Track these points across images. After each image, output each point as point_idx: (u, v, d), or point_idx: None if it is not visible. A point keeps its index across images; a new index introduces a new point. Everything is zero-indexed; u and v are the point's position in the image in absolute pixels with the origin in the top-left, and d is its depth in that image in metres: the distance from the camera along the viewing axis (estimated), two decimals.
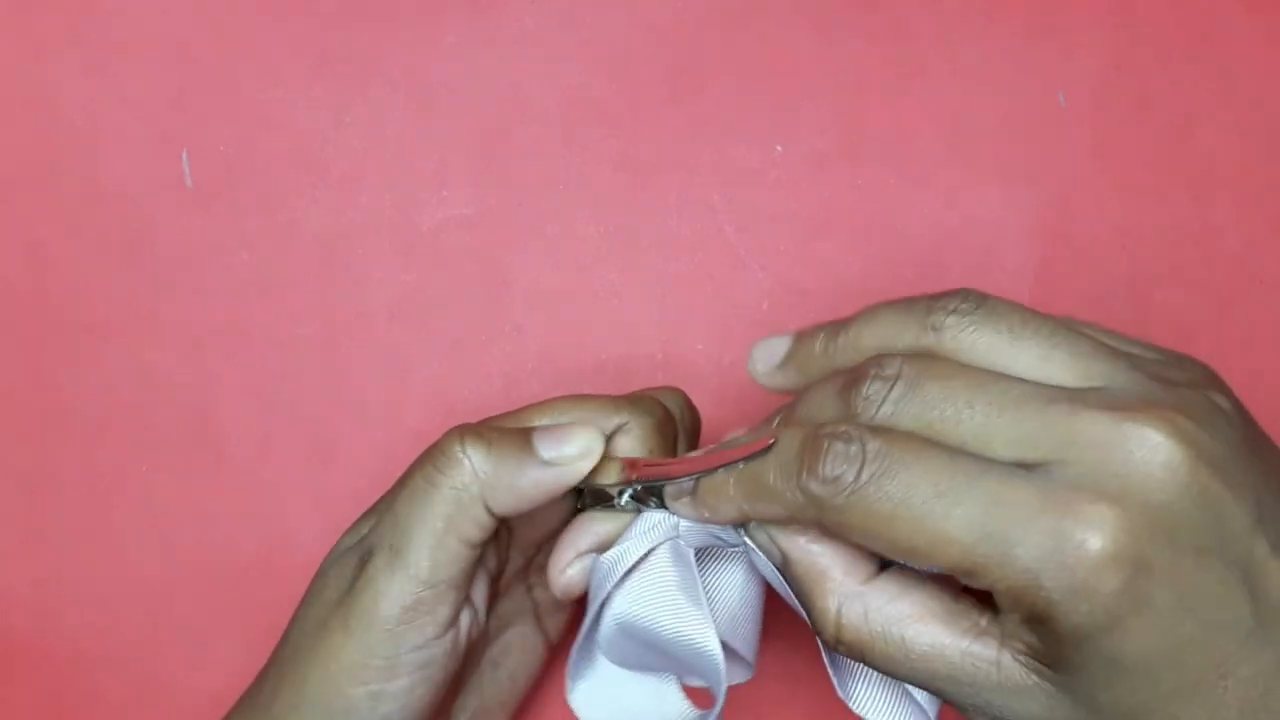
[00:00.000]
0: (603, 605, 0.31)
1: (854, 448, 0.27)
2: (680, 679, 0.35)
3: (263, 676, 0.34)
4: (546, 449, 0.31)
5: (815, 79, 0.43)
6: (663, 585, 0.31)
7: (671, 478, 0.31)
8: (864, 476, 0.26)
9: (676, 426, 0.34)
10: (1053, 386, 0.27)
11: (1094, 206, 0.43)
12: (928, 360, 0.28)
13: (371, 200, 0.42)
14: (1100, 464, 0.26)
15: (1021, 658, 0.27)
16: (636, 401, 0.33)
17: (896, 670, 0.29)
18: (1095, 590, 0.25)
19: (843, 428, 0.27)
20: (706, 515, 0.31)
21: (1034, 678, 0.27)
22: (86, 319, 0.42)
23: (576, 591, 0.32)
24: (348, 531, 0.35)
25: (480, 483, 0.31)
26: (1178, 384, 0.27)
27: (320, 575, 0.33)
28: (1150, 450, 0.25)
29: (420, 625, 0.31)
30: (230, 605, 0.41)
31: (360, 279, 0.42)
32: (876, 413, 0.27)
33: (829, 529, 0.28)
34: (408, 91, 0.43)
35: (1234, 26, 0.43)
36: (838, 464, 0.27)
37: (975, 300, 0.28)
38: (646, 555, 0.31)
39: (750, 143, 0.43)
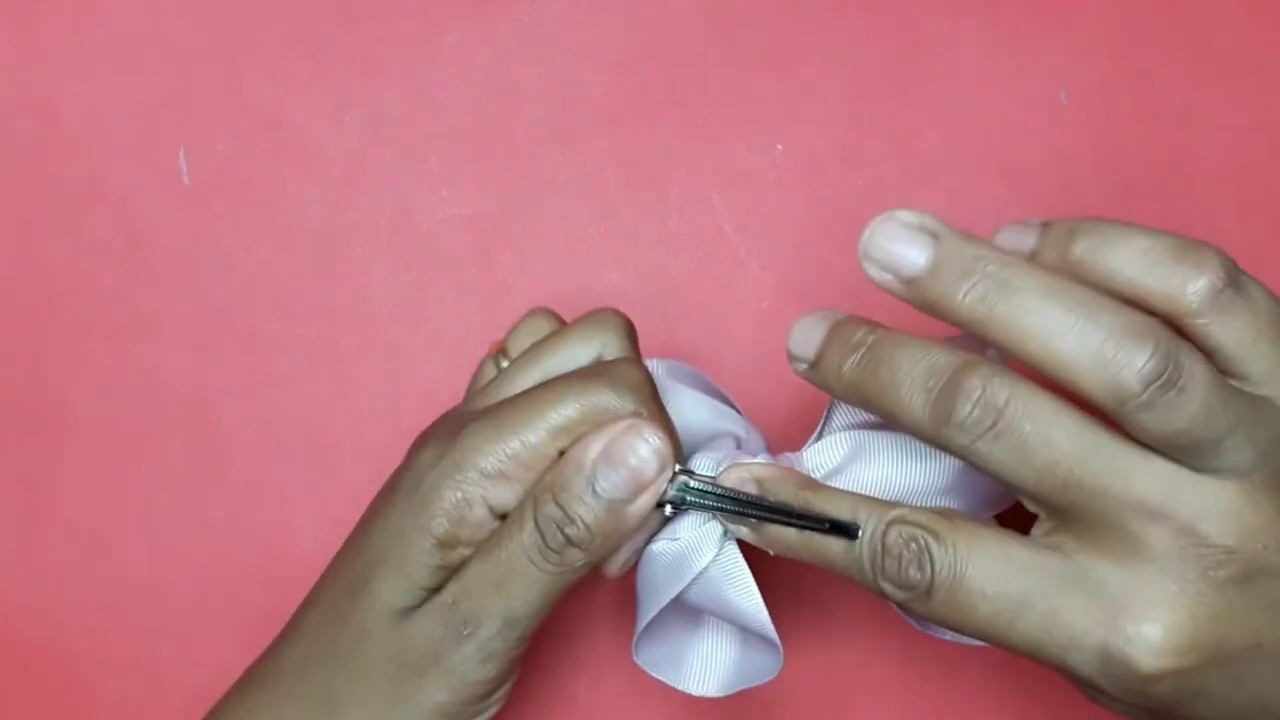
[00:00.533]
0: (676, 595, 0.33)
1: (924, 558, 0.28)
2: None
3: (293, 695, 0.34)
4: (635, 506, 0.32)
5: (815, 79, 0.43)
6: (738, 577, 0.33)
7: (726, 506, 0.32)
8: (936, 585, 0.28)
9: (638, 350, 0.35)
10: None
11: (1094, 206, 0.43)
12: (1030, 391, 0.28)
13: (371, 200, 0.42)
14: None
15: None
16: (617, 383, 0.33)
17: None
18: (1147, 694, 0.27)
19: (914, 536, 0.28)
20: (762, 545, 0.32)
21: None
22: (86, 319, 0.42)
23: (625, 572, 0.34)
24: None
25: (588, 559, 0.32)
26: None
27: (390, 616, 0.33)
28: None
29: (514, 673, 0.34)
30: (230, 606, 0.41)
31: (360, 279, 0.42)
32: (970, 445, 0.27)
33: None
34: (408, 91, 0.43)
35: (1234, 26, 0.43)
36: (909, 571, 0.28)
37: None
38: (716, 554, 0.33)
39: (750, 143, 0.42)
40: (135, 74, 0.43)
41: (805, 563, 0.32)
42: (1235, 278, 0.27)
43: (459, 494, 0.32)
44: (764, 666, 0.34)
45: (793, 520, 0.31)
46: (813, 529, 0.31)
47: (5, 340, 0.42)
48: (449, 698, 0.32)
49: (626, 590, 0.42)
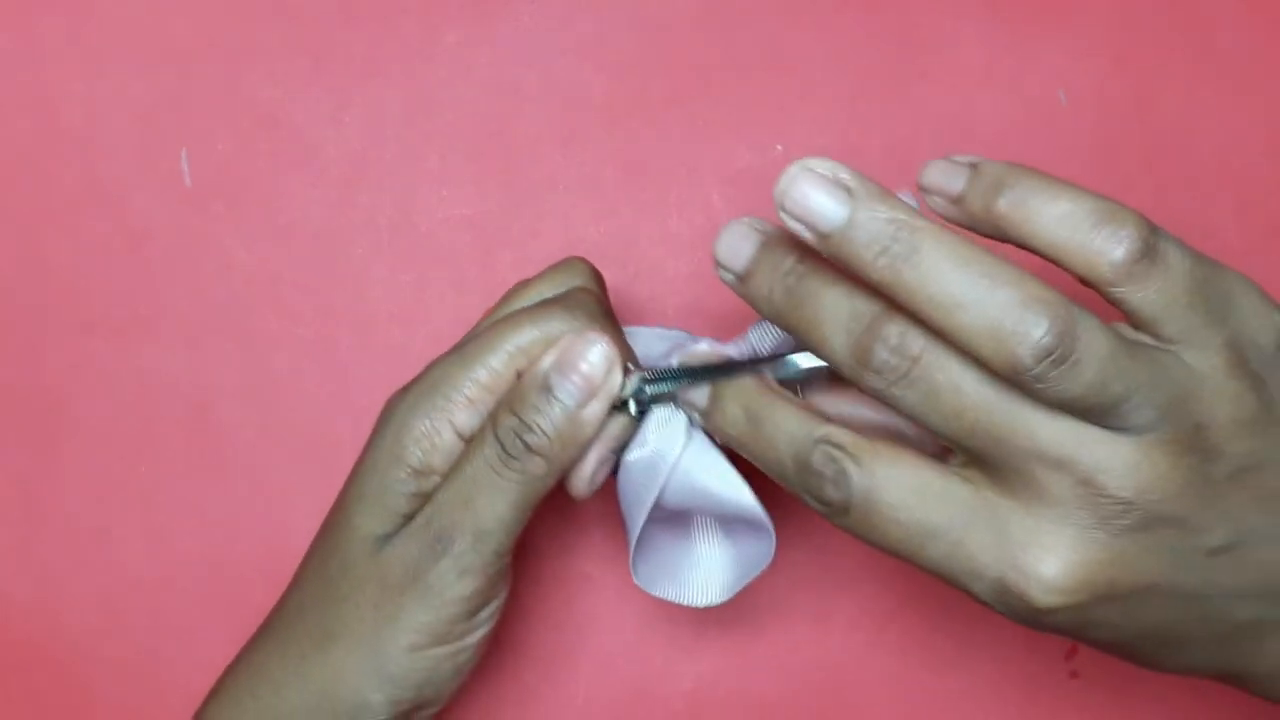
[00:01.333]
0: (657, 498, 0.34)
1: (842, 480, 0.30)
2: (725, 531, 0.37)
3: (292, 637, 0.35)
4: (589, 409, 0.33)
5: (815, 79, 0.43)
6: (712, 464, 0.34)
7: (681, 379, 0.34)
8: (851, 506, 0.29)
9: (606, 297, 0.37)
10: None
11: None
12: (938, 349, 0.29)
13: (371, 200, 0.42)
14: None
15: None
16: (570, 306, 0.35)
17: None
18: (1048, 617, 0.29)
19: (834, 457, 0.30)
20: (716, 428, 0.33)
21: None
22: (86, 319, 0.42)
23: (595, 490, 0.35)
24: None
25: (549, 467, 0.33)
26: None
27: (368, 541, 0.34)
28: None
29: (497, 590, 0.35)
30: (230, 605, 0.41)
31: (360, 279, 0.42)
32: (885, 389, 0.29)
33: None
34: (408, 91, 0.43)
35: (1234, 26, 0.43)
36: (828, 489, 0.30)
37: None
38: (685, 443, 0.34)
39: (750, 143, 0.42)
40: (135, 74, 0.43)
41: (749, 459, 0.32)
42: (1152, 245, 0.28)
43: (427, 422, 0.34)
44: (758, 555, 0.35)
45: (751, 367, 0.33)
46: (756, 368, 0.33)
47: (5, 340, 0.42)
48: (432, 616, 0.33)
49: (626, 589, 0.42)
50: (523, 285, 0.37)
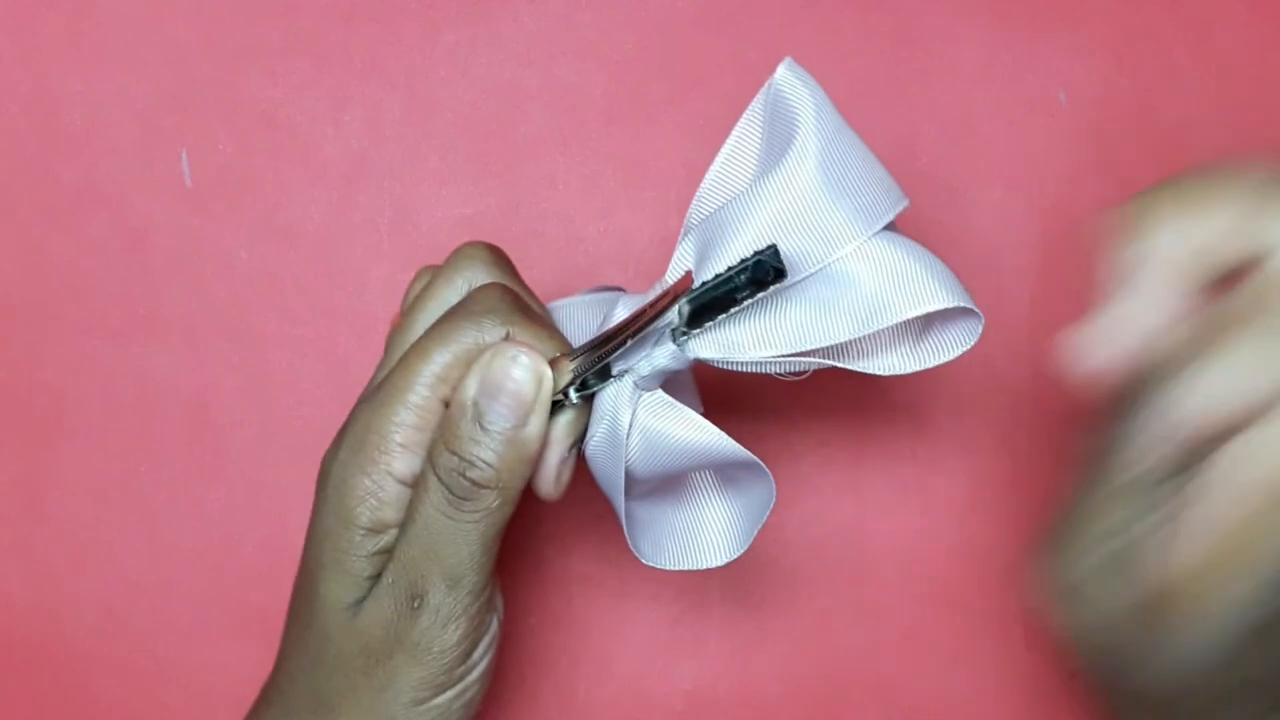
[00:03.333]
0: (627, 478, 0.33)
1: None
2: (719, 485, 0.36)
3: (292, 708, 0.34)
4: (528, 428, 0.32)
5: (816, 79, 0.43)
6: (676, 417, 0.32)
7: (615, 349, 0.32)
8: None
9: (514, 276, 0.35)
10: None
11: (1094, 206, 0.43)
12: None
13: (371, 200, 0.42)
14: None
15: None
16: (474, 314, 0.33)
17: None
18: None
19: None
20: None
21: None
22: (86, 319, 0.42)
23: (566, 488, 0.34)
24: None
25: (504, 496, 0.32)
26: None
27: (338, 610, 0.33)
28: None
29: (486, 623, 0.33)
30: (230, 606, 0.41)
31: (360, 279, 0.42)
32: None
33: None
34: (408, 91, 0.43)
35: (1234, 26, 0.43)
36: None
37: None
38: (633, 407, 0.32)
39: None
40: (135, 74, 0.43)
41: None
42: None
43: (366, 480, 0.32)
44: (761, 497, 0.33)
45: (711, 289, 0.31)
46: (733, 284, 0.30)
47: (5, 340, 0.42)
48: (426, 671, 0.32)
49: (626, 589, 0.42)
50: (424, 291, 0.35)
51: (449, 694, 0.33)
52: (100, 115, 0.43)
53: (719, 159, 0.34)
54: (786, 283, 0.31)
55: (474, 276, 0.34)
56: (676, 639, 0.42)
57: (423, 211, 0.42)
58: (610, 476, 0.33)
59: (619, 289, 0.36)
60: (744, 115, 0.34)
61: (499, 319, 0.32)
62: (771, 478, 0.32)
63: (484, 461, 0.31)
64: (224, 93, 0.43)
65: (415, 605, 0.32)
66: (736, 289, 0.30)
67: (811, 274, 0.32)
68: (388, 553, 0.32)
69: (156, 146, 0.42)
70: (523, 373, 0.31)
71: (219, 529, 0.42)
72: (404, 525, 0.32)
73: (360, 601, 0.32)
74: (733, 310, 0.31)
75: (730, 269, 0.31)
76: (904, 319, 0.31)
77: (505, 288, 0.33)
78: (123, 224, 0.42)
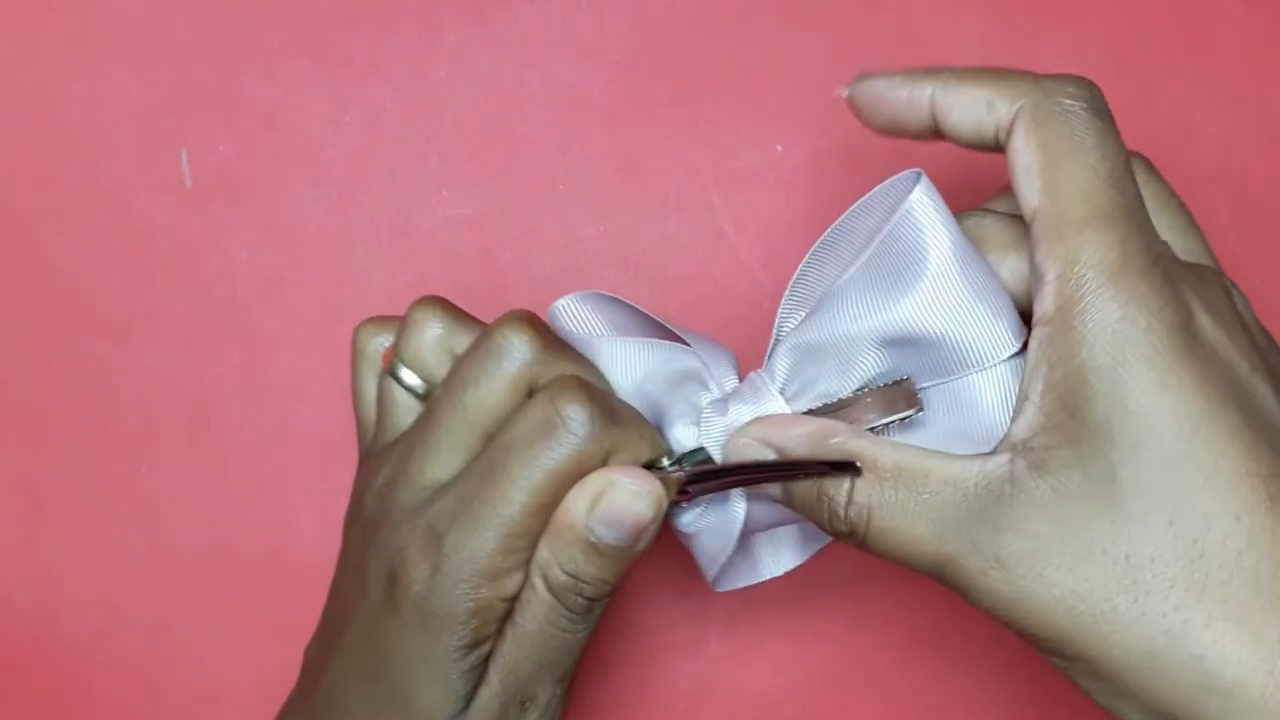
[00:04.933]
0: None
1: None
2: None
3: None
4: (642, 544, 0.31)
5: (815, 79, 0.43)
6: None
7: (733, 484, 0.32)
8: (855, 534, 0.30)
9: (552, 334, 0.34)
10: None
11: None
12: None
13: (371, 200, 0.42)
14: None
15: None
16: (507, 337, 0.32)
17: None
18: None
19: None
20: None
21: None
22: (86, 319, 0.42)
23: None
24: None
25: (608, 596, 0.32)
26: None
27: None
28: None
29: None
30: (230, 605, 0.41)
31: (360, 279, 0.42)
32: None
33: None
34: (408, 91, 0.43)
35: (1234, 26, 0.43)
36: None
37: None
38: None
39: (750, 143, 0.42)
40: (135, 74, 0.43)
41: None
42: None
43: (471, 604, 0.31)
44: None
45: (796, 473, 0.31)
46: (814, 474, 0.30)
47: (5, 340, 0.42)
48: None
49: (625, 589, 0.42)
50: (467, 371, 0.32)
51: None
52: (100, 115, 0.43)
53: (816, 253, 0.33)
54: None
55: (527, 368, 0.32)
56: (676, 639, 0.42)
57: (423, 211, 0.42)
58: (711, 554, 0.33)
59: (670, 341, 0.34)
60: (851, 212, 0.33)
61: (594, 435, 0.30)
62: None
63: (599, 580, 0.31)
64: (224, 93, 0.43)
65: (525, 706, 0.32)
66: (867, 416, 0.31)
67: (943, 385, 0.32)
68: (484, 661, 0.32)
69: (156, 146, 0.42)
70: (644, 504, 0.30)
71: (219, 529, 0.42)
72: (510, 637, 0.31)
73: (464, 711, 0.32)
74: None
75: (861, 394, 0.31)
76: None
77: (585, 386, 0.31)
78: (123, 224, 0.42)
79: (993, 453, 0.29)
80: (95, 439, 0.42)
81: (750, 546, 0.35)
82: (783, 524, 0.34)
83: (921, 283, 0.30)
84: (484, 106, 0.43)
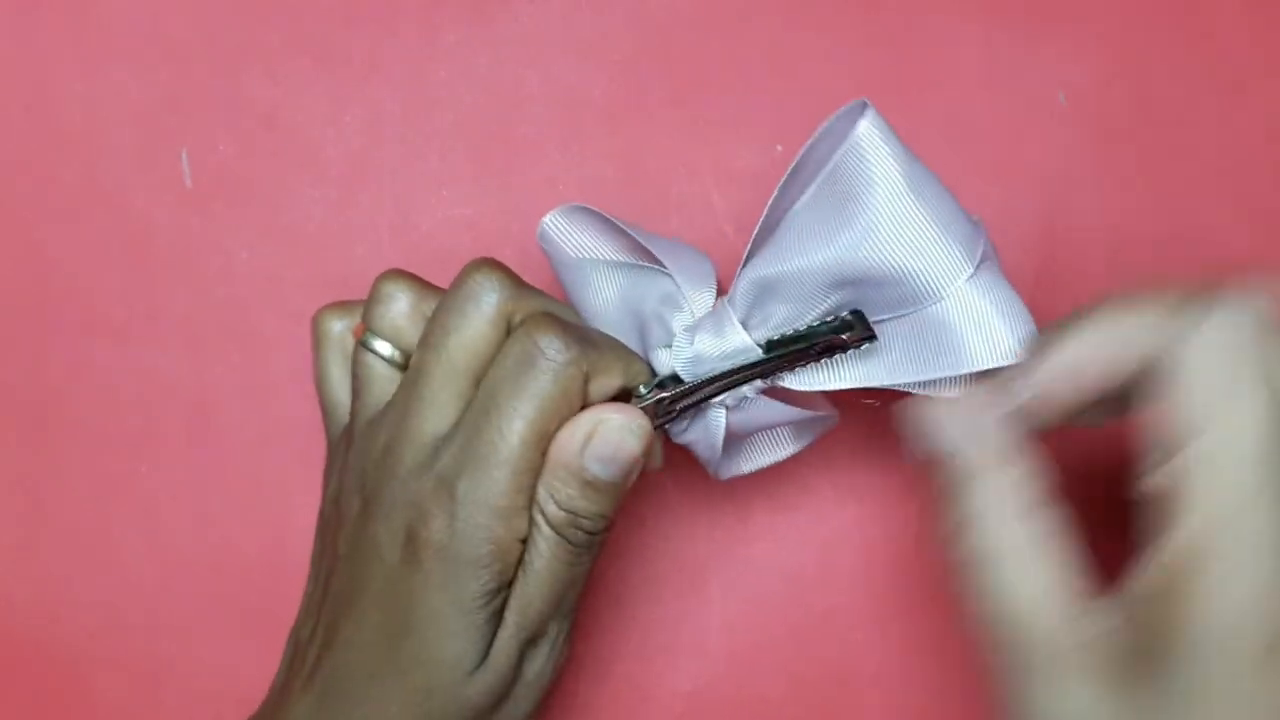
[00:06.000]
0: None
1: None
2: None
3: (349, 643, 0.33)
4: (635, 475, 0.33)
5: (815, 79, 0.43)
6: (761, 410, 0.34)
7: (707, 397, 0.34)
8: None
9: (523, 281, 0.35)
10: None
11: (1094, 206, 0.43)
12: None
13: (371, 200, 0.42)
14: None
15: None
16: (479, 282, 0.33)
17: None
18: None
19: None
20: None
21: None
22: (86, 319, 0.42)
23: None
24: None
25: (608, 525, 0.34)
26: None
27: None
28: None
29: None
30: (230, 606, 0.41)
31: (360, 279, 0.42)
32: None
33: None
34: (408, 91, 0.43)
35: (1234, 26, 0.43)
36: None
37: None
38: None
39: (750, 143, 0.42)
40: (135, 74, 0.43)
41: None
42: None
43: (492, 546, 0.32)
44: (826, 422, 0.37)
45: (798, 353, 0.33)
46: (818, 348, 0.32)
47: (5, 340, 0.42)
48: (536, 697, 0.34)
49: (626, 589, 0.42)
50: (451, 323, 0.33)
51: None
52: (100, 115, 0.43)
53: (779, 192, 0.34)
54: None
55: (501, 304, 0.33)
56: (676, 639, 0.42)
57: (423, 211, 0.42)
58: (704, 453, 0.35)
59: (635, 237, 0.36)
60: (805, 149, 0.34)
61: (572, 359, 0.32)
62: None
63: (598, 514, 0.33)
64: (224, 93, 0.43)
65: (536, 643, 0.34)
66: (825, 350, 0.33)
67: (905, 315, 0.33)
68: (501, 607, 0.33)
69: (156, 146, 0.42)
70: (634, 439, 0.32)
71: (219, 529, 0.42)
72: (521, 578, 0.33)
73: (485, 658, 0.33)
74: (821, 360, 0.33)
75: (819, 329, 0.33)
76: (985, 368, 0.32)
77: (556, 319, 0.32)
78: (123, 224, 0.42)
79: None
80: (95, 439, 0.42)
81: (750, 442, 0.37)
82: (778, 424, 0.36)
83: (868, 214, 0.31)
84: (484, 106, 0.43)
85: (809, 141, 0.33)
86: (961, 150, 0.43)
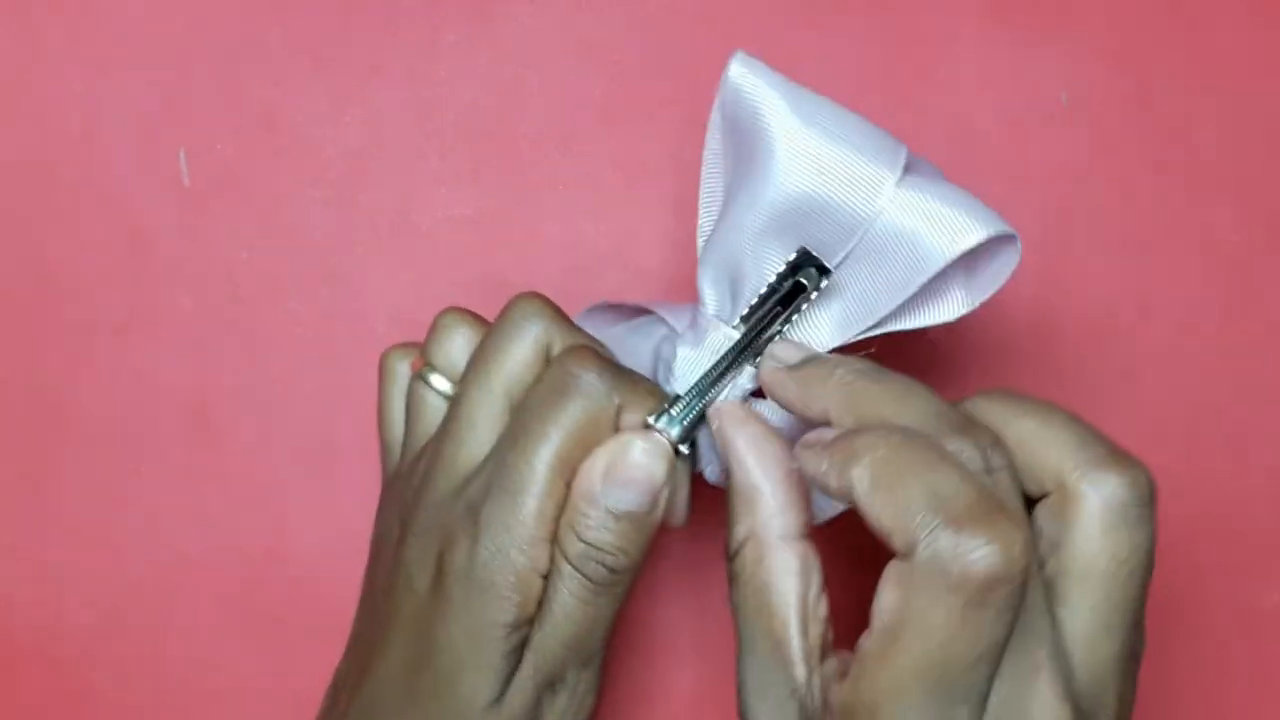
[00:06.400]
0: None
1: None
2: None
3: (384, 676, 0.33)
4: (659, 509, 0.32)
5: (815, 79, 0.43)
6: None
7: (711, 399, 0.33)
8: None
9: (565, 315, 0.35)
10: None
11: (1093, 207, 0.43)
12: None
13: (371, 200, 0.42)
14: None
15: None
16: (523, 316, 0.33)
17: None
18: None
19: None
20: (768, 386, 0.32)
21: None
22: (86, 319, 0.42)
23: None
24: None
25: (635, 568, 0.32)
26: None
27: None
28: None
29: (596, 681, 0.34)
30: (230, 605, 0.41)
31: (360, 279, 0.42)
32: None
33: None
34: (408, 91, 0.43)
35: (1234, 27, 0.43)
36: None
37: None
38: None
39: None
40: (135, 74, 0.43)
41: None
42: None
43: (513, 576, 0.31)
44: None
45: (767, 314, 0.32)
46: (782, 297, 0.32)
47: (5, 340, 0.42)
48: None
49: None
50: (491, 347, 0.33)
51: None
52: (100, 115, 0.43)
53: (704, 177, 0.35)
54: (841, 257, 0.32)
55: (542, 334, 0.33)
56: (676, 639, 0.42)
57: (423, 211, 0.42)
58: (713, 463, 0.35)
59: (636, 307, 0.36)
60: (710, 129, 0.34)
61: (604, 390, 0.31)
62: None
63: (619, 549, 0.31)
64: (224, 93, 0.43)
65: (554, 689, 0.32)
66: (786, 299, 0.32)
67: (857, 243, 0.32)
68: (523, 645, 0.32)
69: (156, 146, 0.42)
70: (656, 463, 0.31)
71: (219, 529, 0.42)
72: (541, 615, 0.32)
73: (501, 697, 0.32)
74: (794, 318, 0.32)
75: (773, 285, 0.32)
76: (952, 258, 0.31)
77: (593, 351, 0.32)
78: (123, 224, 0.42)
79: None
80: (95, 439, 0.42)
81: None
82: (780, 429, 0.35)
83: (771, 153, 0.32)
84: (484, 106, 0.43)
85: (709, 121, 0.34)
86: (963, 150, 0.43)
